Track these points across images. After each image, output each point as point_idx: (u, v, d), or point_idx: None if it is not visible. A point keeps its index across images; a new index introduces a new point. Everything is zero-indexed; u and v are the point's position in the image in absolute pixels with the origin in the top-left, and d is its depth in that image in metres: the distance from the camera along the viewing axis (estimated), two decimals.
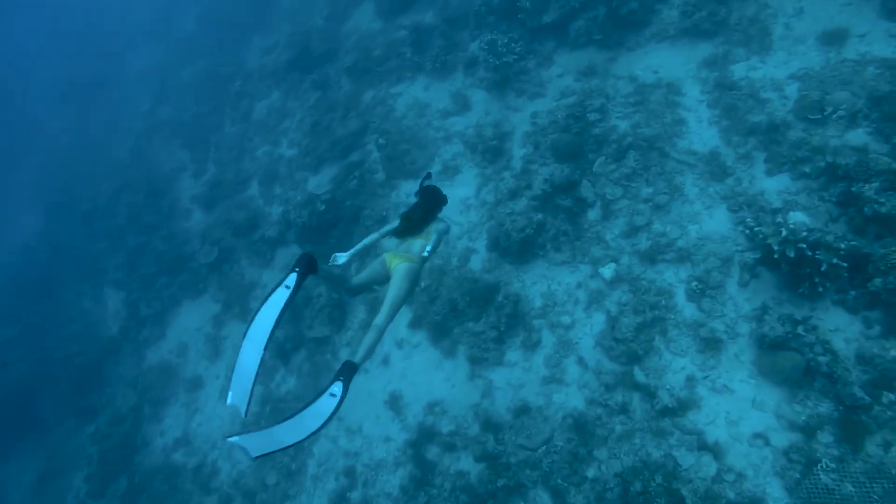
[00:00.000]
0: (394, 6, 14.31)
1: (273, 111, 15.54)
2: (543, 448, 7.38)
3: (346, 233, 11.52)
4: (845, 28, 8.42)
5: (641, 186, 8.70)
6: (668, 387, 6.89)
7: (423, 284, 9.99)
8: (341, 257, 4.83)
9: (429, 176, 5.40)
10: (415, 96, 13.01)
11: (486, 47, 11.23)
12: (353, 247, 4.98)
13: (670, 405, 6.70)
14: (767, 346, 6.39)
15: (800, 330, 6.17)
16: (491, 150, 10.74)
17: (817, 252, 6.20)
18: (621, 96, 9.96)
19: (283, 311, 3.64)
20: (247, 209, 13.55)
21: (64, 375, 13.67)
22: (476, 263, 9.74)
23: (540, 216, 9.01)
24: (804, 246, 6.18)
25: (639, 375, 7.13)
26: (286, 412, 10.14)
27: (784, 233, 6.31)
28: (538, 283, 8.86)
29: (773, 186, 7.63)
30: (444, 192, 5.37)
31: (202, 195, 15.10)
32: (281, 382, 10.89)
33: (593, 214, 8.95)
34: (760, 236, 6.65)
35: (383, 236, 5.07)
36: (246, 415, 3.40)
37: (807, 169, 7.40)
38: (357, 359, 3.78)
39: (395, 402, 9.18)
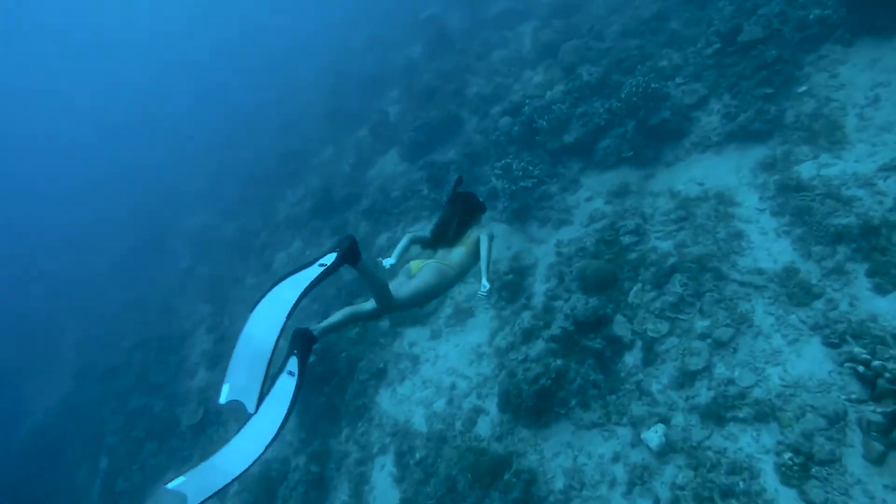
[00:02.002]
0: (417, 149, 13.82)
1: (291, 259, 14.77)
2: None
3: (339, 388, 9.59)
4: None
5: (694, 318, 6.45)
6: None
7: (418, 455, 7.72)
8: (388, 261, 4.00)
9: (460, 180, 4.54)
10: None
11: (499, 173, 9.99)
12: (392, 252, 4.11)
13: None
14: None
15: None
16: (508, 287, 8.94)
17: None
18: (661, 214, 8.14)
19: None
20: None
21: None
22: (485, 428, 7.42)
23: (560, 362, 6.81)
24: None
25: None
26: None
27: None
28: (561, 454, 6.37)
29: (890, 307, 5.22)
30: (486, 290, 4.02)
31: (209, 351, 13.90)
32: None
33: (632, 358, 6.65)
34: (888, 377, 4.17)
35: (415, 242, 4.29)
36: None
37: None
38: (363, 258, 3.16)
39: None
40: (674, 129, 8.93)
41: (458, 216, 4.25)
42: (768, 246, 6.67)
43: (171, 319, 16.79)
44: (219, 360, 13.20)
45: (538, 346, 7.32)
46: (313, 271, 2.92)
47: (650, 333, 6.56)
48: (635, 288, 7.11)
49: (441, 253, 4.08)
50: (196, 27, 51.35)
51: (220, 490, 2.49)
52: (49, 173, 42.26)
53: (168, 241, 22.48)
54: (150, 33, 53.28)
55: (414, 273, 3.90)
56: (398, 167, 14.44)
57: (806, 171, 7.07)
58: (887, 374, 4.30)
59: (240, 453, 2.61)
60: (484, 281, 3.87)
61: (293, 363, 2.89)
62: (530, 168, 9.77)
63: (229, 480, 2.52)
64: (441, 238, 4.15)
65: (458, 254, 4.03)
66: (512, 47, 14.96)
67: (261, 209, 18.73)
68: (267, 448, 2.61)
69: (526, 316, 8.25)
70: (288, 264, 14.97)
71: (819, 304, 5.69)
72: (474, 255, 4.07)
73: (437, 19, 17.97)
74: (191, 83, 39.62)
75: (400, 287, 3.76)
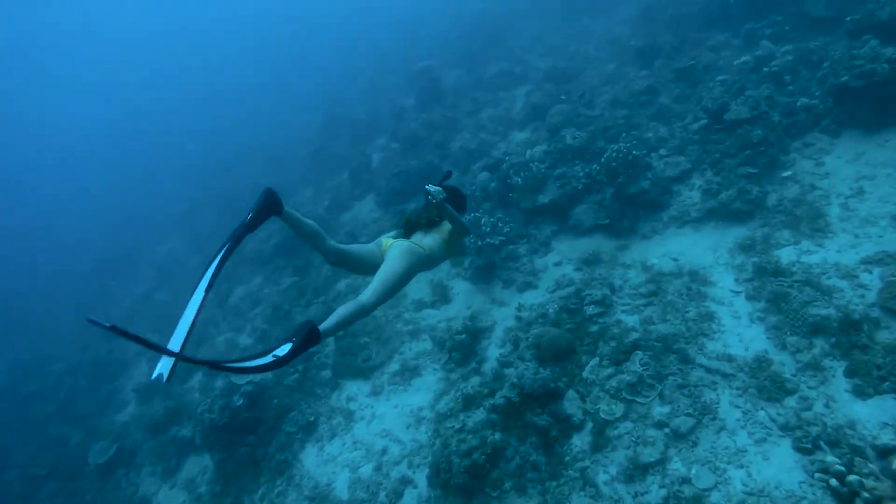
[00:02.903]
0: (393, 196, 13.36)
1: (248, 296, 13.93)
2: None
3: (264, 439, 8.60)
4: None
5: (653, 403, 5.72)
6: None
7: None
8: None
9: (449, 174, 4.32)
10: None
11: None
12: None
13: None
14: None
15: None
16: (459, 349, 8.19)
17: None
18: (630, 287, 7.57)
19: (229, 247, 2.98)
20: (175, 400, 10.99)
21: None
22: (410, 503, 6.48)
23: (499, 437, 6.00)
24: None
25: None
26: None
27: None
28: None
29: (870, 414, 4.56)
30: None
31: (145, 385, 12.78)
32: None
33: (580, 441, 5.86)
34: (866, 498, 3.45)
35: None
36: (167, 380, 2.45)
37: None
38: (322, 325, 2.74)
39: None
40: (653, 200, 8.50)
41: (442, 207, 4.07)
42: (741, 331, 6.06)
43: (115, 345, 15.64)
44: (153, 395, 12.06)
45: (478, 416, 6.49)
46: (264, 359, 2.51)
47: (603, 415, 5.81)
48: (592, 362, 6.41)
49: (416, 237, 3.94)
50: (204, 52, 52.24)
51: (187, 336, 2.63)
52: (34, 174, 41.43)
53: (133, 264, 21.49)
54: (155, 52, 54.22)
55: (384, 249, 3.72)
56: (373, 213, 13.92)
57: (786, 255, 6.57)
58: (865, 495, 3.58)
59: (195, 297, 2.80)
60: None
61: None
62: (499, 225, 9.24)
63: (192, 319, 2.66)
64: (418, 221, 4.04)
65: (431, 238, 3.89)
66: (503, 107, 14.85)
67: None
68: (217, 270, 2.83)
69: (474, 381, 7.48)
70: (245, 299, 14.10)
71: (792, 402, 5.02)
72: (447, 244, 3.96)
73: (431, 71, 17.98)
74: (185, 110, 39.80)
75: (369, 285, 3.37)
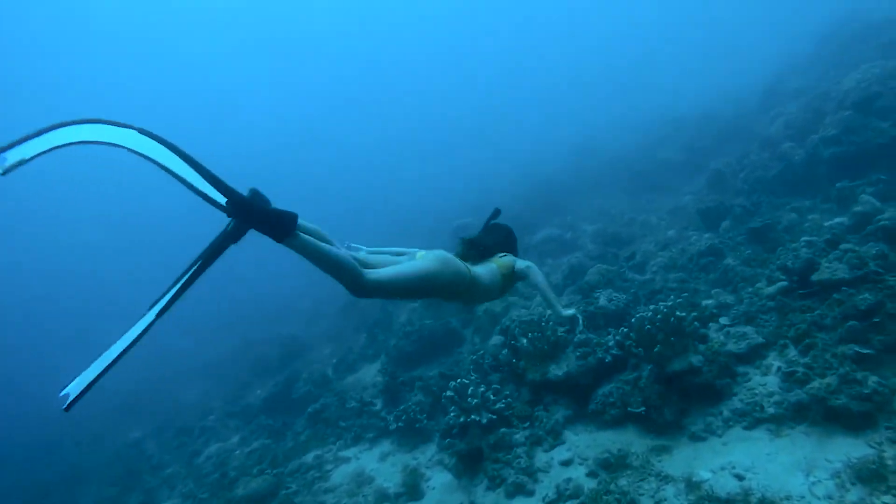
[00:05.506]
0: (401, 360, 11.19)
1: (216, 456, 11.47)
2: None
3: None
4: None
5: None
6: None
7: None
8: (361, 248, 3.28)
9: (498, 212, 3.84)
10: (362, 466, 8.43)
11: (451, 394, 7.02)
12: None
13: None
14: None
15: None
16: None
17: None
18: None
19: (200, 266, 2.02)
20: None
21: None
22: None
23: None
24: None
25: None
26: None
27: None
28: None
29: None
30: None
31: None
32: None
33: None
34: None
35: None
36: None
37: None
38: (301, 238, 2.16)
39: None
40: (708, 384, 5.81)
41: (493, 238, 3.61)
42: None
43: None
44: None
45: None
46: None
47: None
48: None
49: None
50: None
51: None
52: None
53: (144, 407, 19.65)
54: None
55: (418, 258, 2.88)
56: (376, 377, 11.69)
57: None
58: None
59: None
60: (565, 312, 3.38)
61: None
62: (491, 397, 6.75)
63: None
64: (469, 254, 3.34)
65: (484, 267, 3.20)
66: (544, 272, 12.94)
67: (231, 393, 16.12)
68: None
69: None
70: (212, 458, 11.64)
71: None
72: (500, 275, 3.26)
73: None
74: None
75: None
